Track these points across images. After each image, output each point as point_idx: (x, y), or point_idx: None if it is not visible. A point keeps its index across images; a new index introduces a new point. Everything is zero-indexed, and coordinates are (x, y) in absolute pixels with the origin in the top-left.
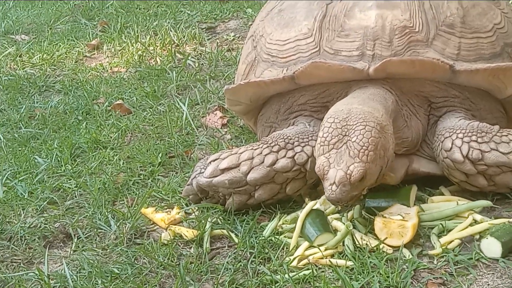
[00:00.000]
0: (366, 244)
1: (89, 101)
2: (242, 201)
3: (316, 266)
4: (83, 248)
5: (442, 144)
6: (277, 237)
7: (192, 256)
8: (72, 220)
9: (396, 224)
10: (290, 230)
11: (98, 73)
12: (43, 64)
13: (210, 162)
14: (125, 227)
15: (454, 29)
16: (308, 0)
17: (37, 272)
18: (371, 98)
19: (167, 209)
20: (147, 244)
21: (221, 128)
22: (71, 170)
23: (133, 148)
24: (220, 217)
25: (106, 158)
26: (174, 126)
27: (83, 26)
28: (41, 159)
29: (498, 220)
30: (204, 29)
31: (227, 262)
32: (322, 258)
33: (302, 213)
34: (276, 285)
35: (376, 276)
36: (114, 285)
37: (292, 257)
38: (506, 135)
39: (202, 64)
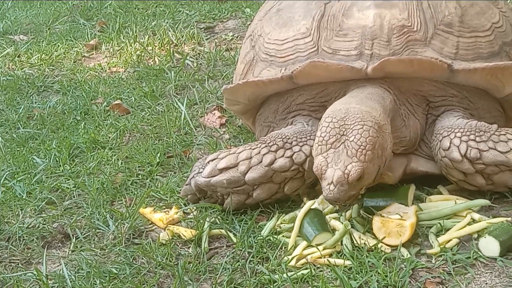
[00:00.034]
0: (364, 243)
1: (87, 101)
2: (240, 201)
3: (314, 265)
4: (81, 248)
5: (440, 143)
6: (275, 236)
7: (191, 256)
8: (71, 220)
9: (394, 223)
10: (288, 230)
11: (97, 73)
12: (42, 64)
13: (208, 162)
14: (124, 227)
15: (452, 28)
16: (306, 0)
17: (35, 272)
18: (369, 97)
19: (166, 209)
20: (146, 244)
21: (219, 127)
22: (70, 170)
23: (132, 148)
24: (219, 217)
25: (104, 158)
26: (172, 126)
27: (81, 26)
28: (39, 159)
29: (496, 219)
30: (203, 29)
31: (225, 262)
32: (320, 258)
33: (300, 213)
34: (275, 284)
35: (374, 276)
36: (112, 285)
37: (290, 257)
38: (504, 134)
39: (201, 64)
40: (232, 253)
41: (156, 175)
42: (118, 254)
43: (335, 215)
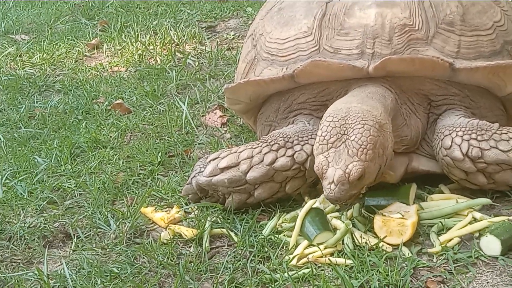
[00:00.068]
0: (366, 242)
1: (89, 101)
2: (241, 200)
3: (316, 264)
4: (82, 247)
5: (441, 142)
6: (277, 236)
7: (192, 255)
8: (72, 219)
9: (396, 222)
10: (290, 229)
11: (98, 73)
12: (43, 63)
13: (209, 161)
14: (125, 226)
15: (454, 27)
16: None
17: (36, 272)
18: (370, 96)
19: (167, 208)
20: (147, 243)
21: (220, 127)
22: (71, 170)
23: (133, 147)
24: (220, 216)
25: (105, 158)
26: (173, 125)
27: (83, 25)
28: (40, 159)
29: (498, 218)
30: (204, 28)
31: (226, 261)
32: (321, 257)
33: (301, 212)
34: (276, 284)
35: (376, 275)
36: (113, 284)
37: (291, 256)
38: (506, 133)
39: (202, 63)
40: (233, 252)
41: (158, 175)
42: (119, 254)
43: (336, 214)
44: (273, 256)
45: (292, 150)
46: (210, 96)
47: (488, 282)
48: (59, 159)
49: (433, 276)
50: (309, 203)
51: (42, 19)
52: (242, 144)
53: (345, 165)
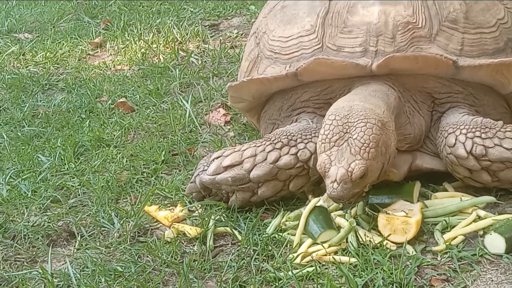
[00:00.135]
0: (370, 240)
1: (92, 99)
2: (245, 199)
3: (320, 263)
4: (86, 246)
5: (445, 140)
6: (281, 234)
7: (196, 253)
8: (76, 218)
9: (400, 220)
10: (294, 227)
11: (101, 71)
12: (46, 62)
13: (213, 160)
14: (129, 225)
15: (457, 25)
16: None
17: (40, 271)
18: (372, 94)
19: (171, 207)
20: (151, 242)
21: (224, 125)
22: (75, 169)
23: (136, 146)
24: (223, 215)
25: (109, 156)
26: (177, 124)
27: (86, 24)
28: (44, 158)
29: (502, 216)
30: (207, 27)
31: (230, 260)
32: (325, 255)
33: (305, 210)
34: (280, 282)
35: (380, 273)
36: (117, 283)
37: (295, 254)
38: (510, 131)
39: (205, 61)
40: (237, 251)
41: (161, 173)
42: (123, 252)
43: (340, 212)
44: (277, 254)
45: (295, 148)
46: (213, 95)
47: (492, 280)
48: (62, 158)
49: (437, 274)
50: (313, 201)
51: (45, 18)
52: (246, 142)
53: (348, 164)
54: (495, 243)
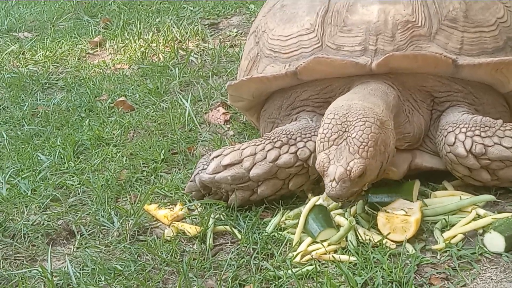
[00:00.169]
0: (369, 239)
1: (92, 98)
2: (245, 197)
3: (319, 261)
4: (86, 245)
5: (445, 138)
6: (280, 233)
7: (195, 252)
8: (75, 217)
9: (399, 219)
10: (293, 226)
11: (101, 70)
12: (46, 61)
13: (212, 158)
14: (128, 224)
15: (456, 24)
16: None
17: (40, 270)
18: (371, 93)
19: (170, 206)
20: (150, 240)
21: (223, 124)
22: (74, 167)
23: (136, 145)
24: (223, 213)
25: (109, 155)
26: (177, 123)
27: (85, 23)
28: (44, 157)
29: (502, 215)
30: (207, 25)
31: (230, 258)
32: (325, 254)
33: (305, 209)
34: (279, 281)
35: (379, 271)
36: (117, 282)
37: (295, 253)
38: (510, 129)
39: (205, 60)
40: (237, 249)
41: (161, 172)
42: (123, 251)
43: (340, 211)
44: (277, 253)
45: (295, 147)
46: (213, 93)
47: (492, 279)
48: (62, 157)
49: (437, 272)
50: (313, 200)
51: (45, 17)
52: (245, 141)
53: (346, 163)
54: (494, 241)
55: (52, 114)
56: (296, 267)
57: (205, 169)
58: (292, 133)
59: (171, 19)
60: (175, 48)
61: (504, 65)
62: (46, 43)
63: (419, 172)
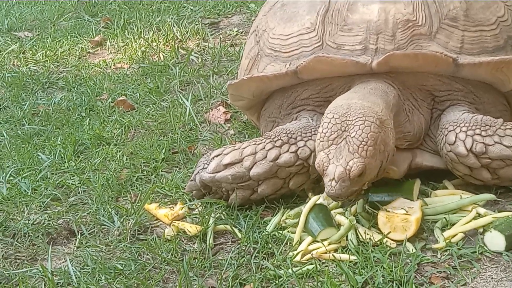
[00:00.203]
0: (370, 238)
1: (92, 98)
2: (245, 196)
3: (320, 260)
4: (86, 244)
5: (445, 137)
6: (281, 232)
7: (196, 251)
8: (76, 216)
9: (400, 218)
10: (294, 225)
11: (101, 69)
12: (46, 60)
13: (213, 158)
14: (129, 223)
15: (457, 23)
16: None
17: (40, 269)
18: (371, 92)
19: (171, 205)
20: (151, 240)
21: (224, 123)
22: (75, 167)
23: (137, 144)
24: (224, 213)
25: (109, 154)
26: (177, 122)
27: (86, 22)
28: (44, 156)
29: (502, 214)
30: (207, 25)
31: (230, 258)
32: (325, 253)
33: (305, 208)
34: (280, 280)
35: (380, 270)
36: (117, 281)
37: (295, 252)
38: (510, 128)
39: (205, 59)
40: (237, 248)
41: (161, 171)
42: (123, 250)
43: (340, 210)
44: (277, 252)
45: (295, 146)
46: (213, 93)
47: (492, 278)
48: (62, 156)
49: (437, 271)
50: (313, 199)
51: (45, 16)
52: (246, 140)
53: (346, 162)
54: (495, 240)
55: (52, 114)
56: (297, 266)
57: (206, 168)
58: (292, 132)
59: (172, 18)
60: (176, 47)
61: (505, 64)
62: (46, 42)
63: (419, 171)
